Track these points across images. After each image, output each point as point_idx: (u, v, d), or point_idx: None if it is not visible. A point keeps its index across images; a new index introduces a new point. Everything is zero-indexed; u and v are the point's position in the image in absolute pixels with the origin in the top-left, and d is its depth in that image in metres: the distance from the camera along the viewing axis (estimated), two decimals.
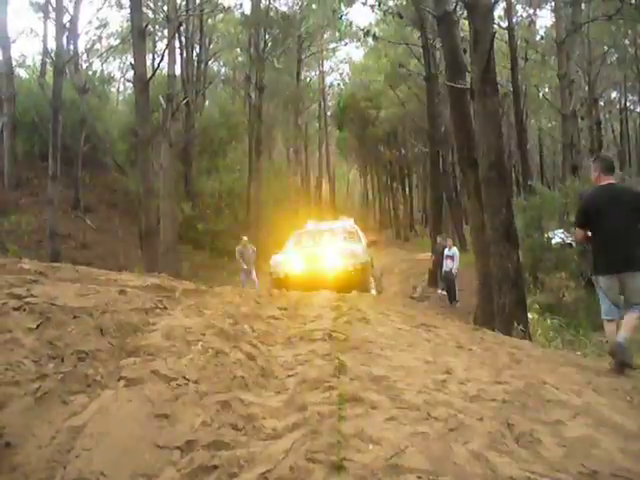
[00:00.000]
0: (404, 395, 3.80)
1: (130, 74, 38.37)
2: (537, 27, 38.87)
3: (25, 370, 3.38)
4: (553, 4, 30.25)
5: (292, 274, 13.28)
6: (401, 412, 3.51)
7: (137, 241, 24.28)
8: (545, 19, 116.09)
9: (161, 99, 23.63)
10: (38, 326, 3.88)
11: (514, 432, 3.39)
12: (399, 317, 7.45)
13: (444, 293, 20.78)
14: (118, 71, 45.59)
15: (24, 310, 4.04)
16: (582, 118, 32.63)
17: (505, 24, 27.88)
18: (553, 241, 19.41)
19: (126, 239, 26.54)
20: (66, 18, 29.53)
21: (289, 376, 4.15)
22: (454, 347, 5.95)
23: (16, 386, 3.20)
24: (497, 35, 15.29)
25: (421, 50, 28.71)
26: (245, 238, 19.64)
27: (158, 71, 23.05)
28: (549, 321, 13.02)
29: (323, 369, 4.18)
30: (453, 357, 5.29)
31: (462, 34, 18.68)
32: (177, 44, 32.32)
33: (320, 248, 14.45)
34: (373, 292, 14.05)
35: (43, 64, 35.87)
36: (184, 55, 34.27)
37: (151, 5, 33.69)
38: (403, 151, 56.18)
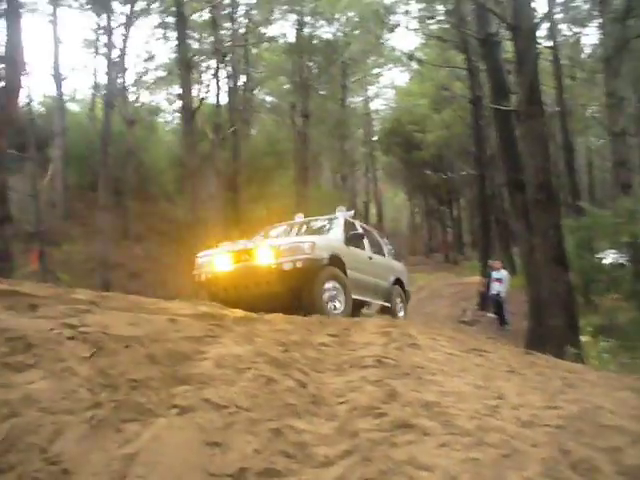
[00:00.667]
0: (456, 421, 3.77)
1: (177, 105, 38.95)
2: (583, 45, 38.61)
3: (80, 398, 3.42)
4: (599, 21, 29.96)
5: (214, 275, 10.36)
6: (453, 438, 3.48)
7: (186, 269, 24.48)
8: (591, 37, 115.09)
9: (208, 128, 23.94)
10: (91, 355, 3.93)
11: (570, 459, 3.33)
12: (449, 342, 7.39)
13: (494, 316, 20.57)
14: (165, 102, 46.13)
15: (77, 339, 4.09)
16: (632, 136, 32.19)
17: (549, 43, 27.70)
18: (605, 262, 19.14)
19: (175, 267, 26.78)
20: (115, 53, 30.20)
21: (340, 403, 4.14)
22: (506, 372, 5.88)
23: (72, 414, 3.24)
24: (541, 55, 15.21)
25: (465, 73, 28.66)
26: None
27: (205, 100, 23.40)
28: (603, 344, 12.80)
29: (374, 395, 4.17)
30: (505, 382, 5.23)
31: (506, 55, 18.62)
32: (223, 74, 32.81)
33: (263, 242, 10.92)
34: (336, 306, 10.02)
35: (93, 98, 36.63)
36: (230, 84, 34.66)
37: (196, 37, 34.20)
38: (450, 174, 56.01)
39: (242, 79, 37.75)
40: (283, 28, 58.13)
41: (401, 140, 50.50)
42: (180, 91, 21.16)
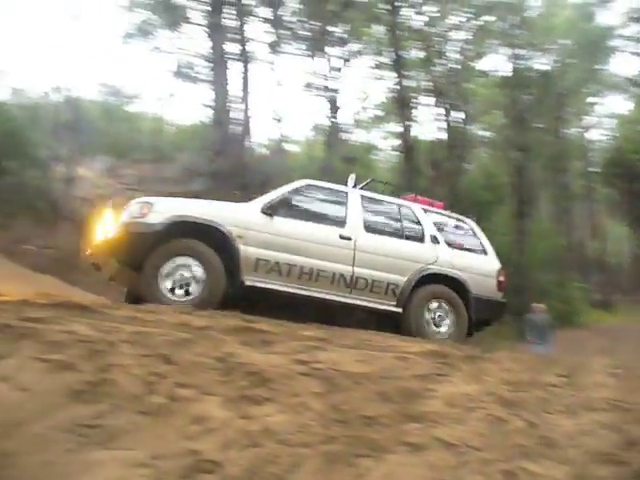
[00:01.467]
0: None
1: (392, 142, 39.55)
2: None
3: (314, 432, 3.56)
4: None
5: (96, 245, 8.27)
6: None
7: None
8: None
9: (425, 164, 24.10)
10: (324, 391, 4.07)
11: None
12: None
13: None
14: (380, 139, 46.91)
15: (310, 375, 4.26)
16: None
17: None
18: None
19: None
20: (331, 94, 31.23)
21: (572, 446, 4.00)
22: None
23: (307, 447, 3.38)
24: None
25: None
26: (539, 305, 17.43)
27: (422, 137, 23.70)
28: None
29: (610, 441, 3.99)
30: None
31: None
32: (439, 110, 33.00)
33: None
34: (186, 292, 7.48)
35: (312, 138, 38.01)
36: (446, 120, 34.76)
37: (411, 74, 34.66)
38: None
39: (458, 114, 37.70)
40: (496, 62, 57.72)
41: (622, 170, 48.29)
42: (397, 129, 21.56)
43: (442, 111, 34.13)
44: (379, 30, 32.72)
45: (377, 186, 11.68)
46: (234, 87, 22.73)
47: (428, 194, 21.74)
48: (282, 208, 8.37)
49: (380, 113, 40.74)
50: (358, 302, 8.53)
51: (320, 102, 32.31)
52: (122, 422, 3.48)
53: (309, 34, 31.87)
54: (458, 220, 10.23)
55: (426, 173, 23.81)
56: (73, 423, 3.42)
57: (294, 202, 8.61)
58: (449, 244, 9.56)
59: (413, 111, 32.97)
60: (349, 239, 8.64)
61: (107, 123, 36.03)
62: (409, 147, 19.81)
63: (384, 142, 47.61)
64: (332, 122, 30.59)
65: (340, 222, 8.80)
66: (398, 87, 21.38)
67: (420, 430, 3.72)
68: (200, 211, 7.97)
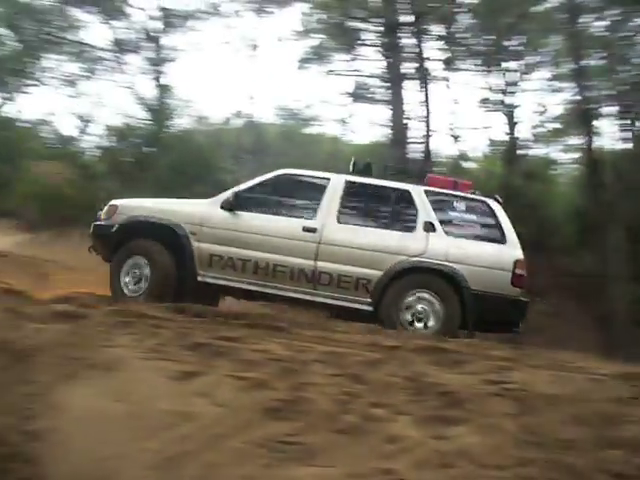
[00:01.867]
0: None
1: (573, 155, 38.28)
2: None
3: (508, 455, 3.51)
4: None
5: None
6: None
7: (592, 325, 23.65)
8: None
9: (609, 177, 23.21)
10: (516, 412, 4.01)
11: None
12: None
13: None
14: (561, 153, 45.30)
15: (502, 396, 4.20)
16: None
17: None
18: None
19: (580, 323, 26.07)
20: (509, 109, 30.74)
21: None
22: None
23: (502, 470, 3.37)
24: None
25: None
26: None
27: (605, 148, 22.84)
28: None
29: None
30: None
31: None
32: (623, 120, 31.64)
33: None
34: (132, 289, 8.02)
35: (489, 154, 37.38)
36: (630, 130, 33.23)
37: (593, 85, 33.46)
38: None
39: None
40: None
41: None
42: (577, 141, 20.91)
43: (627, 121, 32.63)
44: (556, 40, 31.75)
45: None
46: (411, 106, 22.86)
47: (611, 208, 20.82)
48: (244, 202, 8.21)
49: (559, 126, 39.48)
50: (321, 299, 7.92)
51: (497, 117, 31.75)
52: (318, 440, 3.58)
53: (483, 49, 31.47)
54: (476, 202, 8.64)
55: (610, 186, 22.78)
56: (270, 439, 3.57)
57: (260, 195, 8.37)
58: (451, 232, 8.28)
59: (595, 122, 31.75)
60: (313, 231, 8.06)
61: (286, 145, 37.08)
62: (591, 160, 19.05)
63: (564, 156, 46.08)
64: (510, 137, 30.03)
65: (310, 213, 8.27)
66: (578, 98, 20.66)
67: (622, 457, 3.53)
68: (154, 210, 8.26)
